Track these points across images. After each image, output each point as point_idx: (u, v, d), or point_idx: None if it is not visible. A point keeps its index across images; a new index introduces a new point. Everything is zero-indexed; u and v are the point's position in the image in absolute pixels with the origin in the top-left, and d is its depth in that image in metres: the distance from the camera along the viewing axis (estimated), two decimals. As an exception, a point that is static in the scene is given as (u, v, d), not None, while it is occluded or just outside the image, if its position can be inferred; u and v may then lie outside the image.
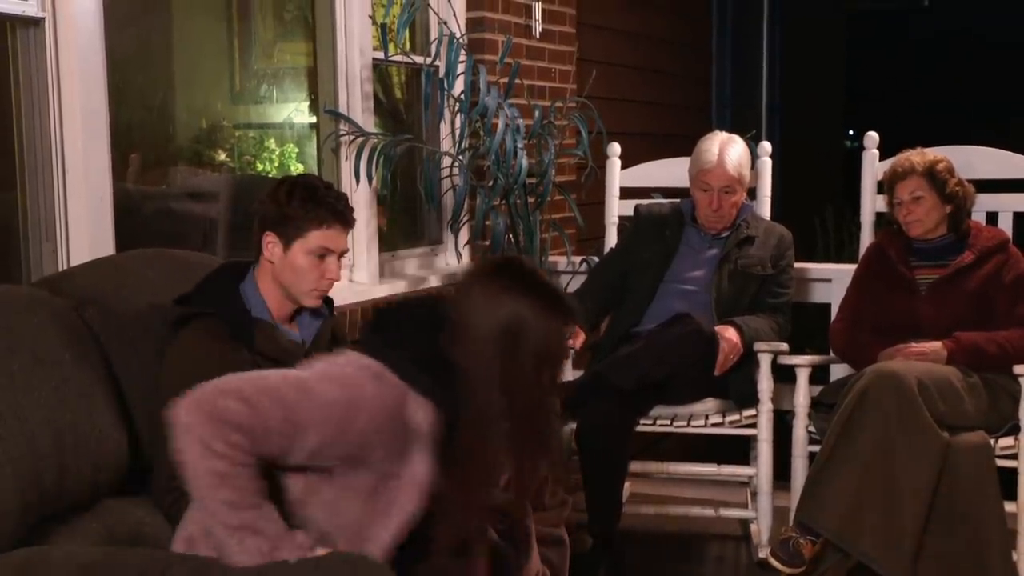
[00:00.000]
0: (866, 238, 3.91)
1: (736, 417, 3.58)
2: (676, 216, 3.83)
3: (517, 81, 4.13)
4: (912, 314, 3.43)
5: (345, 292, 3.57)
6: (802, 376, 3.51)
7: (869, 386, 3.17)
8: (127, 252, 2.75)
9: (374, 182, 3.82)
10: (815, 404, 3.51)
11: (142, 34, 3.41)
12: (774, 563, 3.20)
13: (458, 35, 3.99)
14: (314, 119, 3.98)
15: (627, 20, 5.82)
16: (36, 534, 2.08)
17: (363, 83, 3.89)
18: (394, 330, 2.02)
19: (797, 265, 3.86)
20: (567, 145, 4.62)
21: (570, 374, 3.80)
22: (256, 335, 2.40)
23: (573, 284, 4.27)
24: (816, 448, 3.36)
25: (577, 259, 4.44)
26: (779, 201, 4.64)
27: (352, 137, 3.80)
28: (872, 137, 3.94)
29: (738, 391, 3.59)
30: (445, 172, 4.10)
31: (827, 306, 4.06)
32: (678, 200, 3.93)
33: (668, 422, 3.55)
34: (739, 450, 3.89)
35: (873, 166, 3.92)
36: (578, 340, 3.66)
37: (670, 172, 4.10)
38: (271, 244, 2.46)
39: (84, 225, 2.85)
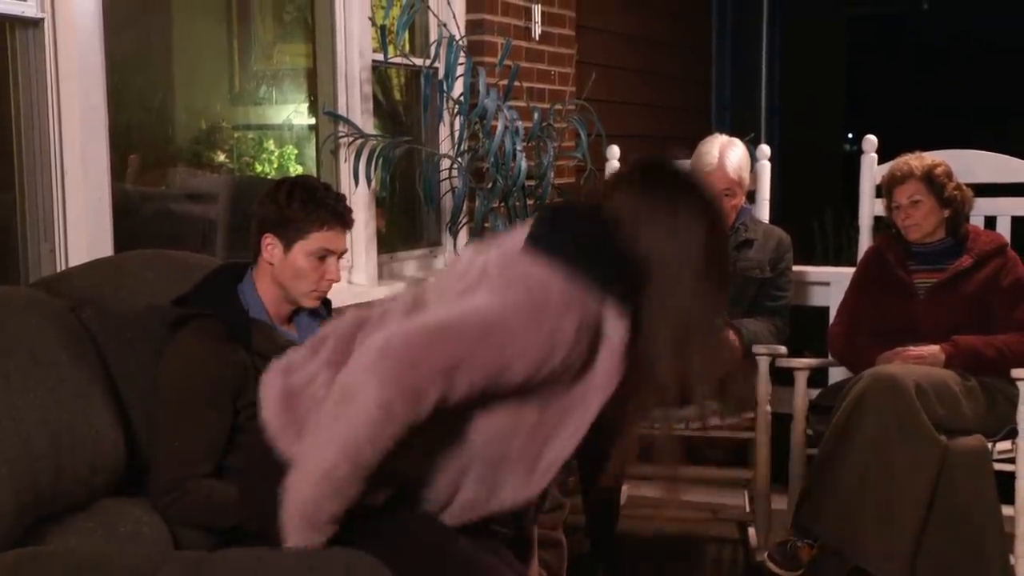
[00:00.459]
0: (865, 241, 3.92)
1: (734, 420, 3.58)
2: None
3: (516, 83, 4.13)
4: (910, 318, 3.43)
5: (343, 293, 3.57)
6: (800, 379, 3.52)
7: (867, 389, 3.17)
8: (125, 253, 2.74)
9: (373, 184, 3.82)
10: (813, 407, 3.51)
11: (141, 35, 3.42)
12: (771, 566, 3.20)
13: (457, 37, 3.99)
14: (313, 120, 3.98)
15: (627, 22, 5.82)
16: (32, 534, 2.08)
17: (362, 85, 3.89)
18: (570, 233, 1.89)
19: (796, 268, 3.87)
20: (566, 147, 4.61)
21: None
22: (254, 336, 2.40)
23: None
24: (814, 451, 3.37)
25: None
26: (778, 204, 4.64)
27: (351, 139, 3.80)
28: (871, 140, 3.94)
29: (736, 394, 3.59)
30: (444, 174, 4.10)
31: (825, 309, 4.06)
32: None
33: (666, 425, 3.55)
34: (737, 453, 3.89)
35: (872, 170, 3.93)
36: None
37: (669, 175, 4.09)
38: (271, 246, 2.46)
39: (82, 226, 2.85)
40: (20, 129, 2.82)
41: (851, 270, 3.78)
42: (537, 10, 4.66)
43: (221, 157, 3.80)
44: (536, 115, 4.17)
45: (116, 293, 2.47)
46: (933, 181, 3.47)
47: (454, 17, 4.15)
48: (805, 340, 4.06)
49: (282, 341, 2.45)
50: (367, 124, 3.91)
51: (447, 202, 4.16)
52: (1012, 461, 3.27)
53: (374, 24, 3.94)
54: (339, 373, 1.84)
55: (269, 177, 3.86)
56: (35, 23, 2.78)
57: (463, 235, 4.26)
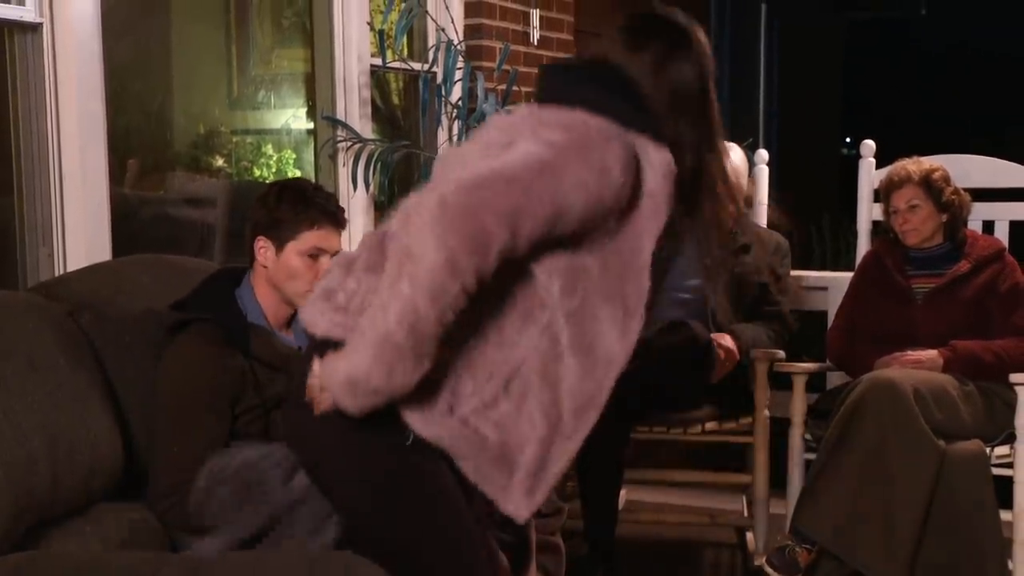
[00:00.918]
0: (863, 246, 3.92)
1: (732, 425, 3.58)
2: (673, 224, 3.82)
3: (515, 88, 4.13)
4: (908, 323, 3.43)
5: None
6: (798, 384, 3.51)
7: (865, 394, 3.17)
8: (124, 258, 2.75)
9: (371, 188, 3.82)
10: (811, 412, 3.51)
11: (140, 40, 3.42)
12: (770, 571, 3.20)
13: (456, 42, 3.99)
14: (312, 125, 3.98)
15: (625, 27, 5.82)
16: (30, 538, 2.07)
17: (361, 89, 3.89)
18: (587, 79, 1.95)
19: (794, 273, 3.87)
20: (564, 152, 4.61)
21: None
22: (252, 341, 2.40)
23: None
24: (812, 456, 3.37)
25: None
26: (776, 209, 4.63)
27: (350, 143, 3.80)
28: (869, 145, 3.94)
29: (734, 399, 3.59)
30: (442, 178, 4.09)
31: (823, 314, 4.06)
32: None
33: (664, 429, 3.55)
34: (735, 458, 3.89)
35: (870, 174, 3.93)
36: None
37: (667, 180, 4.10)
38: (263, 249, 2.46)
39: (81, 230, 2.85)
40: (19, 133, 2.83)
41: (849, 275, 3.79)
42: (535, 15, 4.66)
43: (219, 162, 3.80)
44: (534, 120, 4.17)
45: (114, 298, 2.47)
46: (931, 186, 3.47)
47: (452, 22, 4.15)
48: (803, 345, 4.06)
49: (280, 346, 2.45)
50: (365, 128, 3.91)
51: (445, 206, 4.15)
52: (1010, 466, 3.27)
53: (372, 29, 3.94)
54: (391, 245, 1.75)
55: (267, 182, 3.87)
56: (34, 28, 2.78)
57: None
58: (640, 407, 3.47)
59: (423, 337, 1.69)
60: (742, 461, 3.83)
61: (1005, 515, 3.23)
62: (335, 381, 1.74)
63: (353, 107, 3.89)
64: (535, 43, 4.69)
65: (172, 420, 2.33)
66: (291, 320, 2.54)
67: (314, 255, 2.45)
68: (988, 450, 3.23)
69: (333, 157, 3.89)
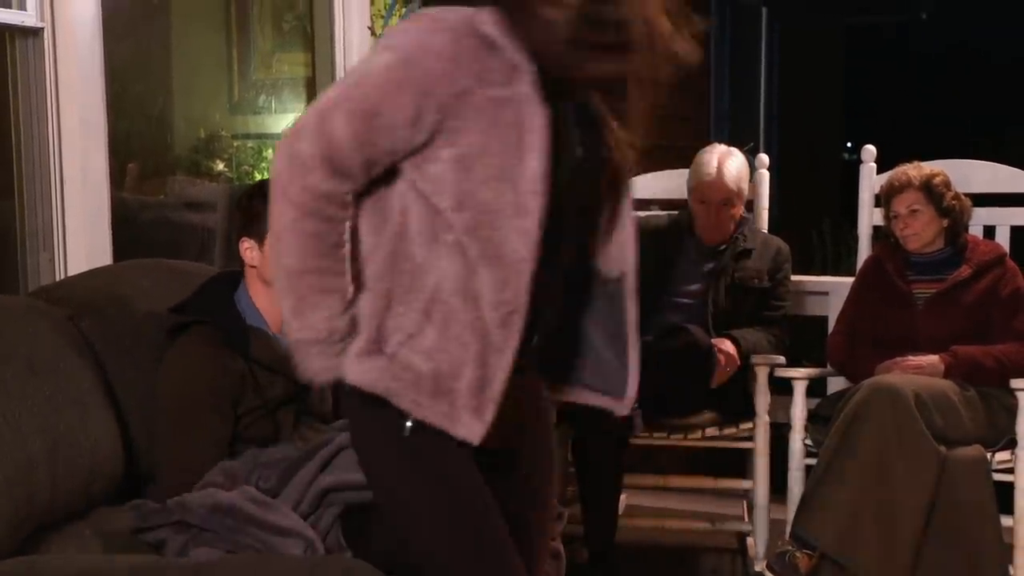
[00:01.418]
0: (863, 251, 3.91)
1: (733, 430, 3.58)
2: (674, 229, 3.83)
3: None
4: (909, 328, 3.43)
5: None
6: (799, 389, 3.51)
7: (866, 399, 3.17)
8: (124, 262, 2.75)
9: (372, 192, 3.81)
10: (812, 417, 3.50)
11: (141, 44, 3.42)
12: (770, 576, 3.20)
13: (456, 46, 3.99)
14: (312, 129, 3.97)
15: (625, 32, 5.81)
16: (30, 542, 2.07)
17: (361, 93, 3.89)
18: None
19: (794, 278, 3.86)
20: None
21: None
22: (251, 343, 2.41)
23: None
24: (813, 461, 3.36)
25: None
26: (777, 213, 4.64)
27: (350, 147, 3.79)
28: (870, 150, 3.94)
29: (735, 404, 3.59)
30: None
31: (824, 319, 4.05)
32: (676, 212, 3.93)
33: (665, 435, 3.55)
34: (736, 463, 3.89)
35: (871, 179, 3.92)
36: None
37: (668, 184, 4.10)
38: (248, 248, 2.46)
39: (81, 235, 2.85)
40: (19, 138, 2.83)
41: (850, 280, 3.78)
42: (536, 20, 4.66)
43: (220, 166, 3.81)
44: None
45: (115, 302, 2.47)
46: (932, 191, 3.47)
47: (453, 26, 4.15)
48: (804, 350, 4.06)
49: (280, 348, 2.45)
50: (366, 132, 3.90)
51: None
52: (1011, 471, 3.27)
53: (373, 33, 3.94)
54: None
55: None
56: (35, 32, 2.78)
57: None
58: (640, 412, 3.46)
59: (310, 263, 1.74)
60: (742, 466, 3.82)
61: (1006, 520, 3.22)
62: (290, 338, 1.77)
63: (354, 111, 3.88)
64: (536, 47, 4.69)
65: (173, 423, 2.33)
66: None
67: None
68: (989, 455, 3.22)
69: (333, 161, 3.89)
